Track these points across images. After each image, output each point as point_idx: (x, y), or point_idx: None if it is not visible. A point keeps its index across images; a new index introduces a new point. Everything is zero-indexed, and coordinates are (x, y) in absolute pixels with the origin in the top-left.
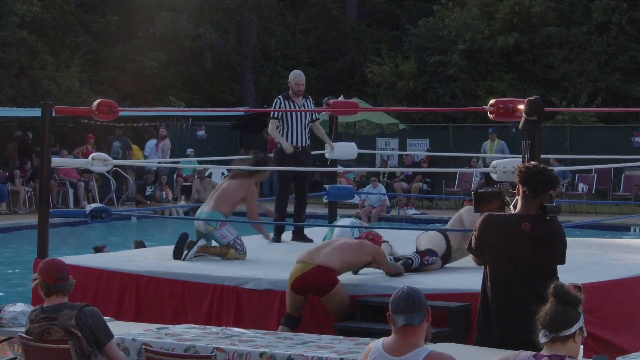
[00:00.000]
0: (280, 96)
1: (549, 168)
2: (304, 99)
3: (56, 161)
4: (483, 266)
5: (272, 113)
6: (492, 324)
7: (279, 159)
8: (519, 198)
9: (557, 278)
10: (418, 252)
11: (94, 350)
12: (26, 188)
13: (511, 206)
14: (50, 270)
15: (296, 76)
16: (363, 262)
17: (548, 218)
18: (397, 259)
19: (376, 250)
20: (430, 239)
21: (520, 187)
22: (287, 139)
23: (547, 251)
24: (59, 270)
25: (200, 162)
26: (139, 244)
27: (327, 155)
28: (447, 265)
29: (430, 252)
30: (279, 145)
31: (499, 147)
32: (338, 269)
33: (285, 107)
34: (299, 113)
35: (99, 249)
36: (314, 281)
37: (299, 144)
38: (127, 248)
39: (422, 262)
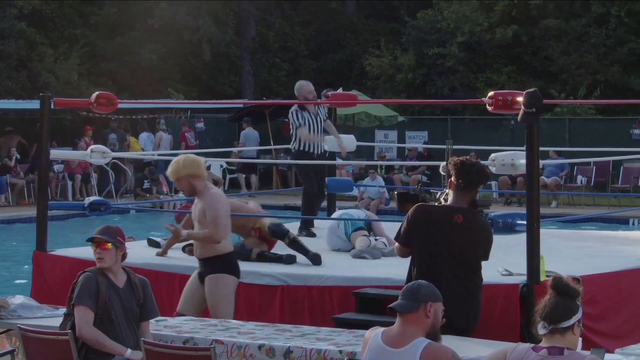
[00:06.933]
0: (294, 109)
1: (482, 163)
2: (315, 106)
3: (55, 153)
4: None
5: (297, 123)
6: None
7: (303, 159)
8: (449, 191)
9: (481, 274)
10: None
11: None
12: (28, 176)
13: (442, 199)
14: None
15: (305, 86)
16: None
17: (478, 212)
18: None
19: None
20: None
21: (454, 179)
22: (310, 148)
23: (476, 245)
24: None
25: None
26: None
27: (326, 148)
28: None
29: None
30: (302, 147)
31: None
32: None
33: (305, 117)
34: (316, 121)
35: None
36: None
37: (320, 151)
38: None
39: None
